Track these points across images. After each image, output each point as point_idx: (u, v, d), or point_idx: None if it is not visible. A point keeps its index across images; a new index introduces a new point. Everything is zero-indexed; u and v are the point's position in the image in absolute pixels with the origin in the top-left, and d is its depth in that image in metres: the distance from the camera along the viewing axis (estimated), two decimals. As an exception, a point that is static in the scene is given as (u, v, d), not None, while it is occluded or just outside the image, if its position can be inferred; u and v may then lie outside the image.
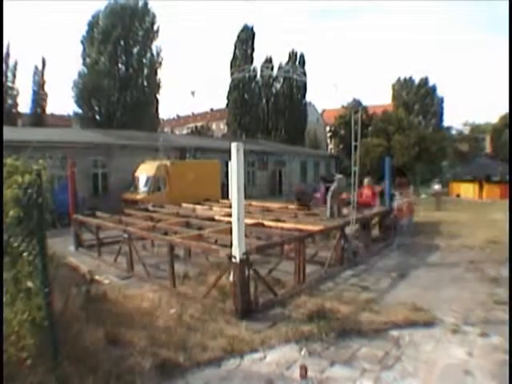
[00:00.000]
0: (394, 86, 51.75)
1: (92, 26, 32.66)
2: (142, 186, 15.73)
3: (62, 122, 37.95)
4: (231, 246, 5.23)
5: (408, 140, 35.71)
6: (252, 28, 41.88)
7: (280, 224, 8.13)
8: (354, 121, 8.24)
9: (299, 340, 4.47)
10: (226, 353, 4.16)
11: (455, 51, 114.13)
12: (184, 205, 11.53)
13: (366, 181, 11.26)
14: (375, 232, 10.23)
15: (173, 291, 6.11)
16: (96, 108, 33.03)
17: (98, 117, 32.95)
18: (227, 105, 43.33)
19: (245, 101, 41.33)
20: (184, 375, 3.79)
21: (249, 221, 7.64)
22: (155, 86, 34.90)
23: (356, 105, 42.66)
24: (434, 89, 49.75)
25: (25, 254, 3.46)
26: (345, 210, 9.11)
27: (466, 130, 45.49)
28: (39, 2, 79.25)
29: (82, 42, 32.65)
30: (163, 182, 15.16)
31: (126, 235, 7.64)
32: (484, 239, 10.50)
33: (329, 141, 54.27)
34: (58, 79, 78.76)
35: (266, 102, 42.56)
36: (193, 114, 65.00)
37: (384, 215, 10.15)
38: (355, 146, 8.21)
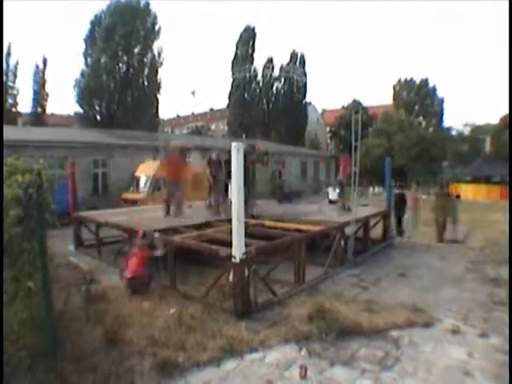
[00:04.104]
0: (394, 86, 51.81)
1: (94, 25, 32.72)
2: (142, 186, 15.73)
3: (62, 121, 38.03)
4: (231, 245, 5.23)
5: (408, 141, 35.71)
6: (253, 28, 41.96)
7: (280, 224, 8.13)
8: (355, 121, 8.24)
9: (299, 340, 4.46)
10: (225, 353, 4.15)
11: (455, 52, 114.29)
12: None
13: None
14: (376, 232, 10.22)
15: (172, 291, 6.10)
16: (97, 107, 33.07)
17: (98, 116, 32.99)
18: (228, 105, 43.37)
19: (245, 101, 41.36)
20: (183, 375, 3.79)
21: (249, 221, 7.64)
22: (156, 86, 34.96)
23: (356, 105, 42.78)
24: (434, 89, 49.82)
25: (25, 253, 3.46)
26: None
27: (467, 131, 45.44)
28: (41, 2, 79.37)
29: (85, 41, 32.71)
30: (163, 182, 15.14)
31: (126, 235, 7.63)
32: (484, 240, 10.51)
33: (329, 141, 54.32)
34: (59, 79, 78.93)
35: (267, 102, 42.60)
36: (193, 113, 65.02)
37: (385, 215, 10.14)
38: (355, 147, 8.21)
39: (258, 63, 42.54)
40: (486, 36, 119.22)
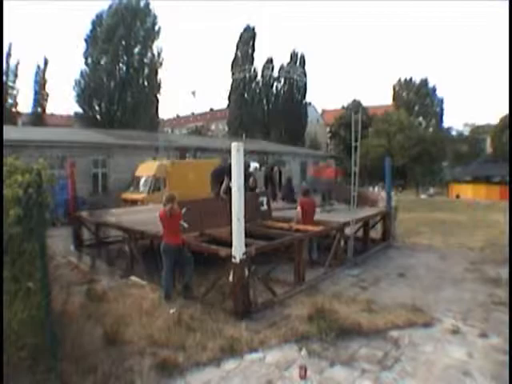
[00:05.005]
0: (394, 86, 51.86)
1: (95, 25, 32.74)
2: (141, 186, 15.73)
3: (62, 121, 38.00)
4: (231, 245, 5.23)
5: (408, 141, 35.74)
6: (253, 28, 41.99)
7: (280, 224, 8.13)
8: (355, 121, 8.23)
9: (299, 340, 4.46)
10: (225, 353, 4.15)
11: (455, 52, 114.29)
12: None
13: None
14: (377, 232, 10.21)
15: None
16: (96, 108, 33.05)
17: (98, 116, 32.97)
18: (228, 105, 43.39)
19: (245, 101, 41.36)
20: (183, 375, 3.79)
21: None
22: (155, 86, 34.95)
23: (356, 105, 42.78)
24: (434, 89, 49.88)
25: (25, 253, 3.46)
26: None
27: (467, 131, 45.54)
28: (41, 2, 79.30)
29: (86, 41, 32.71)
30: (163, 182, 15.14)
31: (126, 235, 7.64)
32: (484, 240, 10.51)
33: (329, 141, 54.32)
34: (59, 79, 78.91)
35: (267, 103, 42.60)
36: (193, 114, 65.05)
37: (385, 215, 10.13)
38: (355, 147, 8.20)
39: (258, 63, 42.61)
40: (486, 36, 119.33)
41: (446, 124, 50.22)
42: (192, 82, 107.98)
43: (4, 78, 32.46)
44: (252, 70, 41.00)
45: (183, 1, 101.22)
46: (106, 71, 31.99)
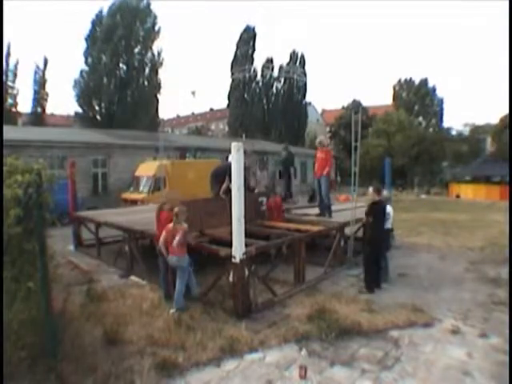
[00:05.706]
0: (394, 86, 51.87)
1: (95, 24, 32.73)
2: (141, 186, 15.73)
3: (62, 121, 38.02)
4: (231, 245, 5.23)
5: (408, 140, 35.73)
6: (253, 28, 41.98)
7: (280, 224, 8.12)
8: (355, 121, 8.21)
9: (299, 340, 4.46)
10: (225, 353, 4.15)
11: (455, 52, 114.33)
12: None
13: None
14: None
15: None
16: (96, 107, 33.06)
17: (98, 116, 32.98)
18: (228, 105, 43.39)
19: (245, 101, 41.37)
20: (183, 375, 3.79)
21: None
22: (156, 86, 34.97)
23: (356, 105, 42.77)
24: (433, 89, 49.87)
25: (25, 253, 3.46)
26: None
27: (467, 131, 45.52)
28: (41, 2, 79.32)
29: (86, 40, 32.70)
30: (163, 182, 15.14)
31: (126, 235, 7.63)
32: (484, 240, 10.51)
33: (329, 141, 54.31)
34: (59, 79, 78.91)
35: (267, 102, 42.60)
36: (193, 113, 65.08)
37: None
38: (355, 147, 8.19)
39: (258, 63, 42.61)
40: (486, 36, 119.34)
41: (445, 124, 50.26)
42: (192, 82, 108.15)
43: (4, 77, 32.43)
44: (252, 69, 41.00)
45: (183, 1, 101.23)
46: (105, 71, 32.00)
